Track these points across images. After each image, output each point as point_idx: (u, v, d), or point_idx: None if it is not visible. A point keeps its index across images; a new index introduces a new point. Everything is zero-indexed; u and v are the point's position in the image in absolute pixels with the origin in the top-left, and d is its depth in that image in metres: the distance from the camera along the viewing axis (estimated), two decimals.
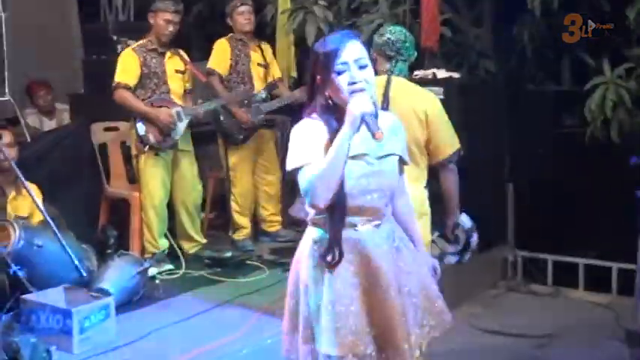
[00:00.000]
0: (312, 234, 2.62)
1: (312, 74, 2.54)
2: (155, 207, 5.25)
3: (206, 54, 5.94)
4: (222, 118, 5.69)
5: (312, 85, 2.55)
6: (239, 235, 5.83)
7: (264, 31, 6.56)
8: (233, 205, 5.82)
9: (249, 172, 5.89)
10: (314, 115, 2.54)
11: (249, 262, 5.41)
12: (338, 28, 6.29)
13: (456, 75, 5.56)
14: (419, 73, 5.48)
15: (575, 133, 5.64)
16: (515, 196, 6.01)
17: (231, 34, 5.87)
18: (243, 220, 5.85)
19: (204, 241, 5.55)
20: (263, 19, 6.63)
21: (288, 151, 2.51)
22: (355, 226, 2.55)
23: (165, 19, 5.26)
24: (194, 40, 7.36)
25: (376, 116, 2.44)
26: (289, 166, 2.50)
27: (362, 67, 2.47)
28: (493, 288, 5.70)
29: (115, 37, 6.21)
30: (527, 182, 5.93)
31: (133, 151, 5.31)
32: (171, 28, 5.28)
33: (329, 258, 2.50)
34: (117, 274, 4.49)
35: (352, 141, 2.40)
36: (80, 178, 5.52)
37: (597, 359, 4.39)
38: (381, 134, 2.38)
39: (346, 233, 2.53)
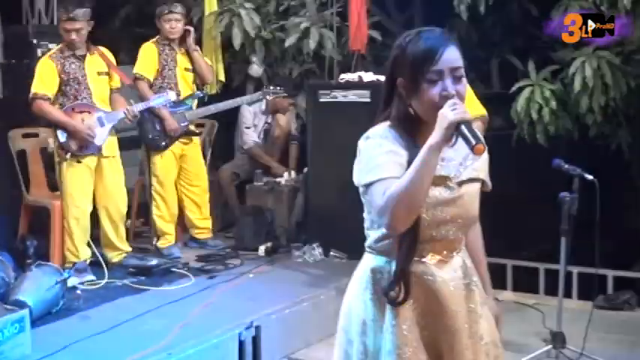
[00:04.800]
0: (370, 262, 2.22)
1: (392, 75, 2.16)
2: (77, 215, 5.10)
3: (134, 57, 5.79)
4: (144, 122, 5.57)
5: (391, 87, 2.16)
6: (163, 243, 5.70)
7: None
8: (155, 210, 5.70)
9: (173, 178, 5.76)
10: (387, 123, 2.17)
11: (174, 269, 5.29)
12: (265, 31, 6.25)
13: (383, 78, 5.50)
14: (345, 77, 5.44)
15: (503, 135, 5.66)
16: None
17: (158, 36, 5.76)
18: (167, 227, 5.73)
19: (128, 249, 5.41)
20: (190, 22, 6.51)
21: (356, 162, 2.15)
22: (422, 258, 2.17)
23: (63, 28, 5.08)
24: (122, 44, 7.20)
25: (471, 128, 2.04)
26: (358, 180, 2.13)
27: (457, 79, 2.09)
28: None
29: (35, 41, 6.05)
30: None
31: (55, 158, 5.16)
32: (73, 36, 5.06)
33: (393, 294, 2.13)
34: (34, 285, 4.35)
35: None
36: None
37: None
38: (483, 147, 2.00)
39: (412, 266, 2.16)
